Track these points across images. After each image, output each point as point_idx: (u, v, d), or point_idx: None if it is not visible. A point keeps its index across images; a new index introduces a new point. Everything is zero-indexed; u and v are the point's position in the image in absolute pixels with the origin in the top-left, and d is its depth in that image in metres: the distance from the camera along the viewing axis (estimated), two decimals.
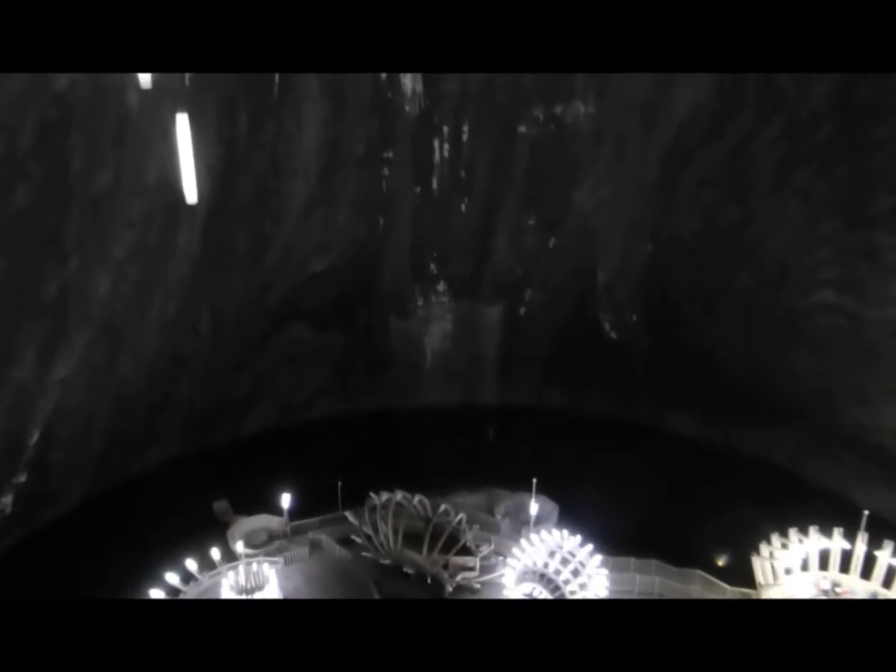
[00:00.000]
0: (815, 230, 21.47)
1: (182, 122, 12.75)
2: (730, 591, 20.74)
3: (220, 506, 25.71)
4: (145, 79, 13.85)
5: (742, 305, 23.47)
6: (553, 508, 24.64)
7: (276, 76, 22.72)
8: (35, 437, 21.25)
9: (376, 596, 20.76)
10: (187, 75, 20.71)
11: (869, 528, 19.53)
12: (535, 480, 22.76)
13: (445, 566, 22.05)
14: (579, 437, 27.36)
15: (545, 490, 23.66)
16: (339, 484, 23.51)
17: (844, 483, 22.61)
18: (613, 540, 21.79)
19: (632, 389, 26.95)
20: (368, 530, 22.96)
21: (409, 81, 24.10)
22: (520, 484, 23.74)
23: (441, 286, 27.74)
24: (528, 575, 20.14)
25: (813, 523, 20.06)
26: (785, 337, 22.74)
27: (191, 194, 13.47)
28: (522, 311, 27.79)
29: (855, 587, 19.48)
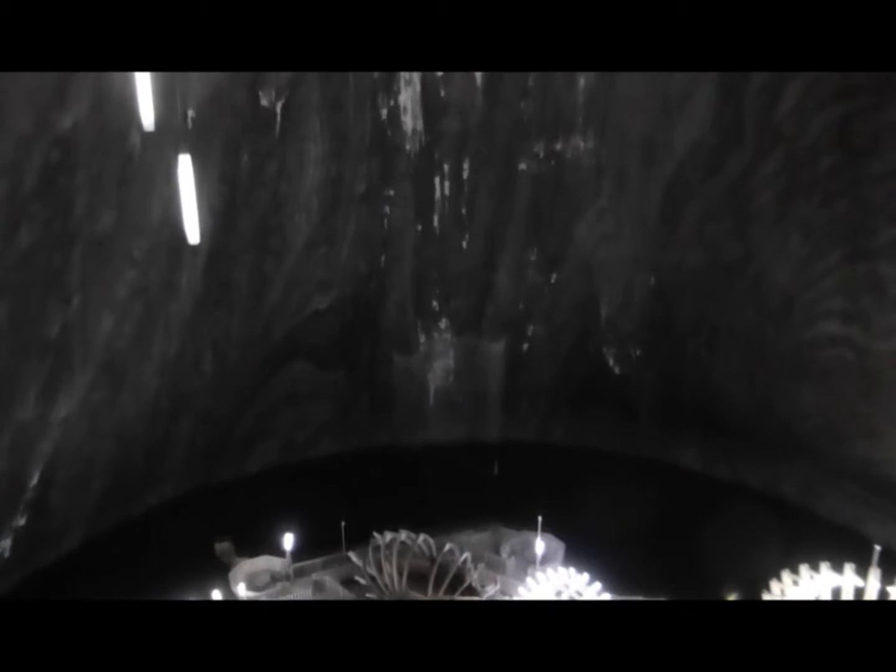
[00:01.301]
0: (817, 262, 21.46)
1: (185, 163, 12.81)
2: None
3: (222, 547, 25.40)
4: (148, 120, 13.92)
5: (746, 338, 23.38)
6: (559, 546, 24.33)
7: (278, 117, 22.93)
8: (35, 478, 21.06)
9: None
10: (190, 116, 20.91)
11: (881, 564, 19.22)
12: (540, 518, 22.51)
13: None
14: (584, 472, 27.11)
15: (551, 527, 23.35)
16: (343, 524, 23.27)
17: (855, 517, 22.30)
18: (621, 578, 21.46)
19: (637, 424, 26.76)
20: (372, 570, 22.65)
21: (410, 120, 24.31)
22: (525, 521, 23.46)
23: (443, 322, 27.67)
24: None
25: (824, 559, 19.75)
26: (791, 369, 22.61)
27: (193, 234, 13.48)
28: (525, 346, 27.67)
29: None
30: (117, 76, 18.67)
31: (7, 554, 21.51)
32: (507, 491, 26.13)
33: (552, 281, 26.80)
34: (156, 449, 24.31)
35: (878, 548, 19.60)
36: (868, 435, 21.35)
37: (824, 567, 20.50)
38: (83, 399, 21.23)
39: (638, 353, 26.28)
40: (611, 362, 26.59)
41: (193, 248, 20.79)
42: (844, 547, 21.31)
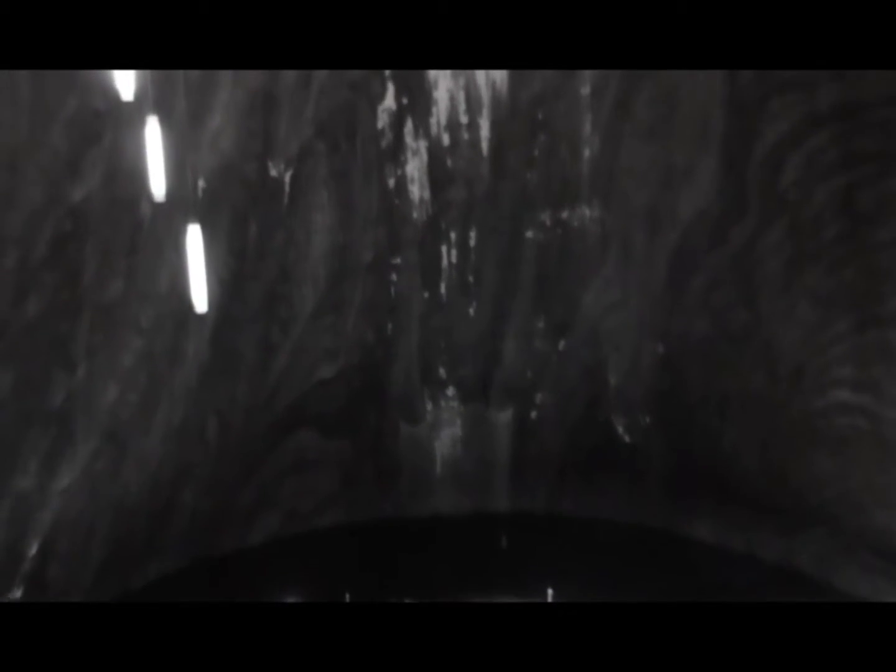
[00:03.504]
0: (826, 330, 21.25)
1: (194, 233, 12.90)
2: None
3: None
4: (159, 191, 14.11)
5: (758, 406, 23.04)
6: None
7: (287, 187, 23.27)
8: (34, 549, 20.65)
9: None
10: (200, 187, 21.20)
11: None
12: (550, 590, 22.04)
13: None
14: (594, 544, 26.45)
15: (561, 600, 22.81)
16: (347, 596, 22.73)
17: (875, 590, 21.65)
18: None
19: (648, 494, 26.24)
20: None
21: (417, 189, 24.63)
22: (534, 594, 22.93)
23: (450, 391, 27.37)
24: None
25: None
26: (804, 438, 22.21)
27: (200, 302, 13.48)
28: (533, 414, 27.34)
29: None
30: (130, 148, 18.98)
31: None
32: (515, 562, 25.60)
33: (560, 349, 26.63)
34: (157, 519, 23.88)
35: None
36: (886, 504, 20.83)
37: None
38: (85, 468, 20.95)
39: (647, 421, 25.92)
40: (620, 430, 26.21)
41: (200, 316, 20.83)
42: None
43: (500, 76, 23.25)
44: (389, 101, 23.98)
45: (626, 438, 26.19)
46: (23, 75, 16.98)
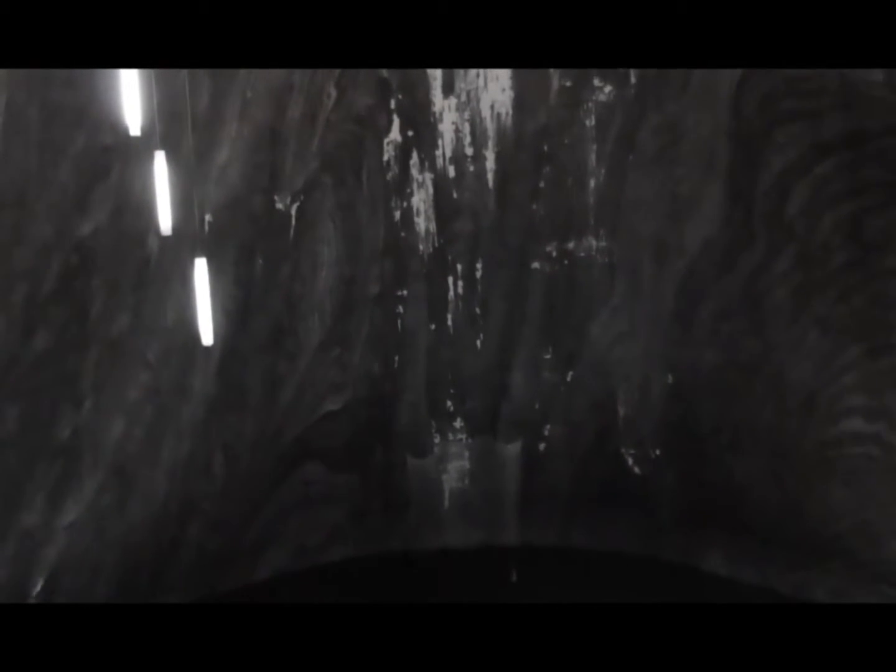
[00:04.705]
0: (837, 359, 21.04)
1: (200, 267, 12.88)
2: None
3: None
4: (166, 225, 14.14)
5: (769, 437, 22.74)
6: None
7: (293, 220, 23.33)
8: (39, 587, 20.44)
9: None
10: (207, 221, 21.30)
11: None
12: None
13: None
14: (605, 578, 26.11)
15: None
16: None
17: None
18: None
19: (659, 527, 25.88)
20: None
21: (423, 221, 24.68)
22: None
23: (458, 423, 27.15)
24: None
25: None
26: (817, 468, 21.87)
27: (207, 336, 13.44)
28: (542, 447, 27.08)
29: None
30: (137, 183, 19.11)
31: None
32: (525, 597, 25.20)
33: (568, 380, 26.48)
34: (163, 555, 23.61)
35: None
36: None
37: None
38: (91, 504, 20.77)
39: (658, 452, 25.64)
40: (630, 462, 25.90)
41: (206, 350, 20.80)
42: None
43: (505, 108, 23.39)
44: (395, 134, 24.14)
45: (637, 470, 25.88)
46: (32, 112, 17.13)
